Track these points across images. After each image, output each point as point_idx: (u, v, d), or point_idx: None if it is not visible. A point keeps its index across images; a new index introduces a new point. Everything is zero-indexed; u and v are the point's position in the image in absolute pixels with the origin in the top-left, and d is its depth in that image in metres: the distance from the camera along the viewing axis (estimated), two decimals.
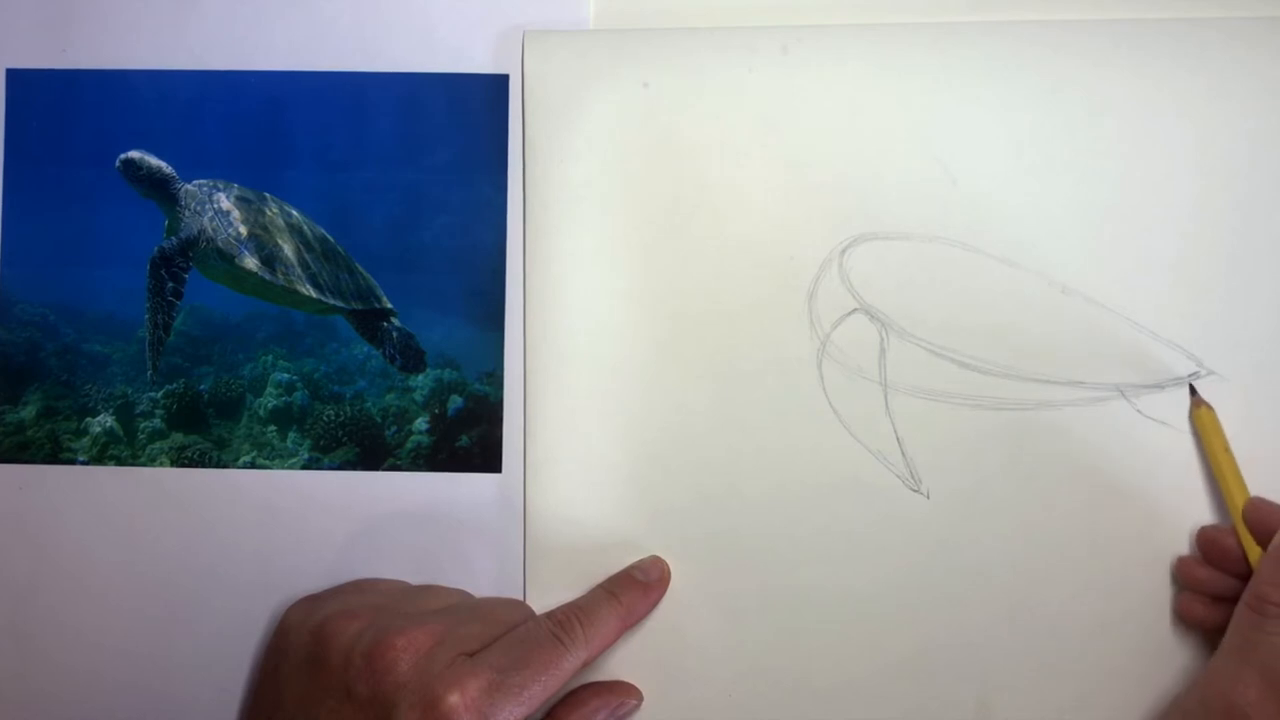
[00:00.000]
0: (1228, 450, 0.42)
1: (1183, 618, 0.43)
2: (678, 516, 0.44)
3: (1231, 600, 0.40)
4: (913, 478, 0.44)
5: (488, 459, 0.46)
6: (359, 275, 0.47)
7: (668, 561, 0.44)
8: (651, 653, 0.44)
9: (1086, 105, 0.45)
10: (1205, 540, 0.42)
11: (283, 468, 0.46)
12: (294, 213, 0.47)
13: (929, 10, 0.46)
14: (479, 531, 0.45)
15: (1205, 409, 0.43)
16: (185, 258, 0.47)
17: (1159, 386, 0.44)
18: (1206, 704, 0.38)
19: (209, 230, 0.47)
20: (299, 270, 0.47)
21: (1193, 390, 0.43)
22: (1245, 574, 0.40)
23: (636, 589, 0.43)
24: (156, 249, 0.47)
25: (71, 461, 0.46)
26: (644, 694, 0.44)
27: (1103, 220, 0.44)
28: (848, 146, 0.45)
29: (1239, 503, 0.41)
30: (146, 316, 0.46)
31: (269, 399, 0.46)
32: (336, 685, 0.38)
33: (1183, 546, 0.43)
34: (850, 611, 0.44)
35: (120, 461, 0.46)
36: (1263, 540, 0.40)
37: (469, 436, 0.46)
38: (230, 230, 0.47)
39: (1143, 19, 0.45)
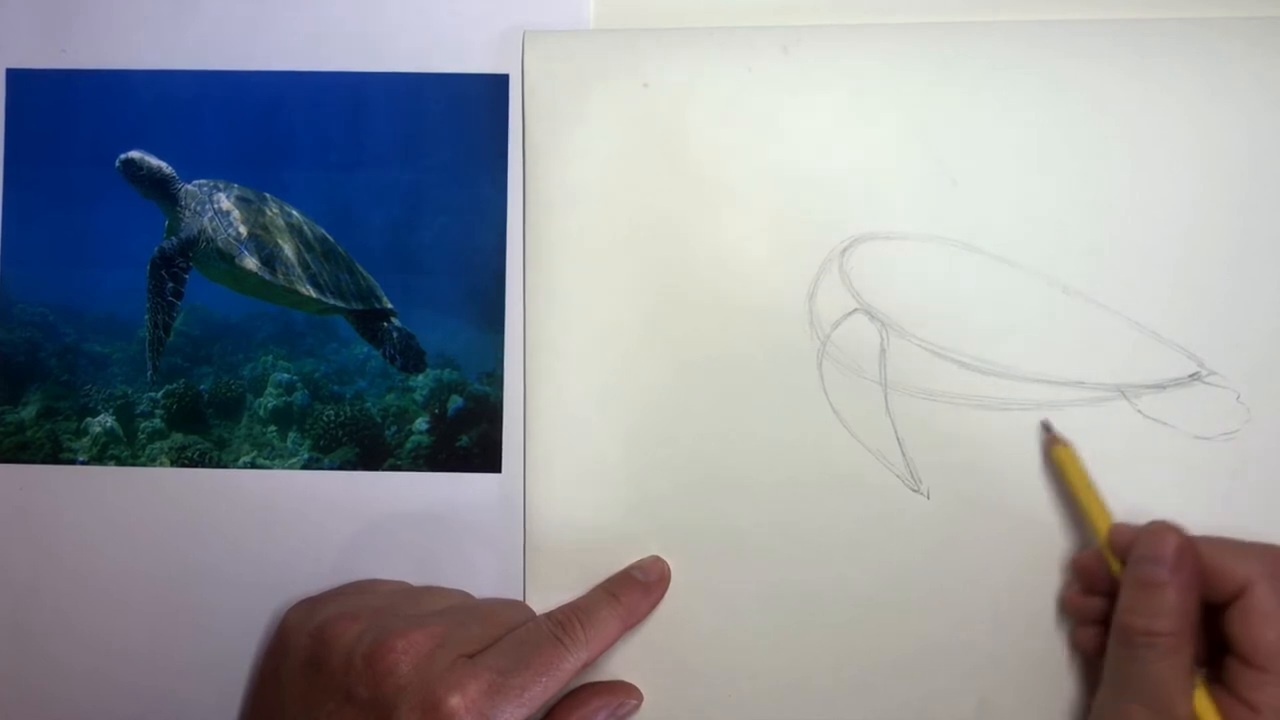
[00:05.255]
0: (1091, 487, 0.42)
1: (1082, 650, 0.42)
2: (678, 516, 0.44)
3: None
4: (913, 478, 0.44)
5: (488, 459, 0.46)
6: (359, 275, 0.47)
7: (668, 561, 0.44)
8: (651, 653, 0.44)
9: (1086, 105, 0.45)
10: (1080, 568, 0.42)
11: (283, 468, 0.46)
12: (294, 213, 0.47)
13: (929, 10, 0.46)
14: (479, 532, 0.45)
15: (1062, 447, 0.43)
16: (185, 258, 0.47)
17: (1159, 386, 0.44)
18: None
19: (209, 230, 0.47)
20: (299, 270, 0.47)
21: (1046, 427, 0.43)
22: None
23: (637, 589, 0.43)
24: (156, 249, 0.47)
25: (71, 461, 0.46)
26: (644, 694, 0.44)
27: (1103, 220, 0.44)
28: (848, 146, 0.45)
29: (1104, 532, 0.41)
30: (146, 316, 0.46)
31: (269, 399, 0.46)
32: (337, 688, 0.38)
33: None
34: (850, 612, 0.44)
35: (120, 461, 0.46)
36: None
37: (469, 436, 0.46)
38: (230, 230, 0.47)
39: (1143, 19, 0.45)
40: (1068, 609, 0.43)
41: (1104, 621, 0.41)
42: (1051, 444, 0.43)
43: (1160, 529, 0.39)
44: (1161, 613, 0.37)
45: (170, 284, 0.47)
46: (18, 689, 0.45)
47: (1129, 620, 0.38)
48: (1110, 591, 0.40)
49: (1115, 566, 0.40)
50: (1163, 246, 0.44)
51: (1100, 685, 0.39)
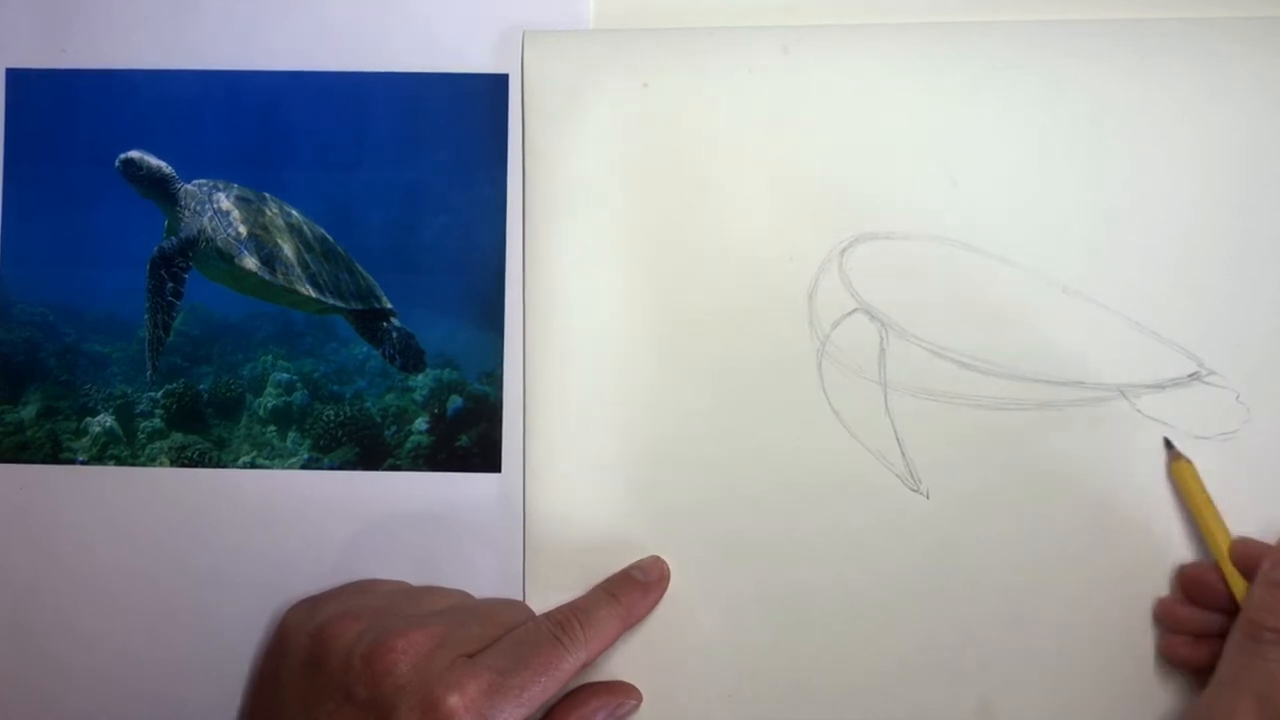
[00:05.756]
0: (1211, 503, 0.42)
1: (1165, 657, 0.43)
2: (677, 516, 0.44)
3: (1215, 637, 0.41)
4: (913, 478, 0.44)
5: (487, 459, 0.46)
6: (359, 275, 0.47)
7: (667, 561, 0.44)
8: (651, 653, 0.44)
9: (1086, 105, 0.45)
10: (1187, 580, 0.42)
11: (282, 468, 0.46)
12: (294, 213, 0.47)
13: (929, 10, 0.46)
14: (479, 532, 0.45)
15: (1184, 463, 0.43)
16: (185, 258, 0.47)
17: (1159, 386, 0.44)
18: None
19: (209, 230, 0.47)
20: (299, 270, 0.47)
21: (1168, 444, 0.43)
22: (1230, 609, 0.41)
23: (636, 589, 0.43)
24: (156, 249, 0.47)
25: (71, 461, 0.46)
26: (644, 694, 0.44)
27: (1103, 220, 0.44)
28: (847, 146, 0.45)
29: (1224, 545, 0.41)
30: (146, 316, 0.46)
31: (269, 399, 0.46)
32: (336, 687, 0.38)
33: (1184, 545, 0.43)
34: (850, 612, 0.44)
35: (120, 461, 0.46)
36: (1249, 575, 0.40)
37: (469, 436, 0.46)
38: (230, 230, 0.47)
39: (1143, 19, 0.45)
40: (1163, 617, 0.43)
41: (1197, 633, 0.42)
42: (1173, 459, 0.43)
43: None
44: None
45: (170, 284, 0.47)
46: (18, 689, 0.45)
47: (1260, 616, 0.39)
48: (1216, 606, 0.41)
49: (1235, 579, 0.41)
50: (1163, 246, 0.44)
51: (1211, 683, 0.39)
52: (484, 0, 0.47)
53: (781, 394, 0.44)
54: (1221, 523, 0.42)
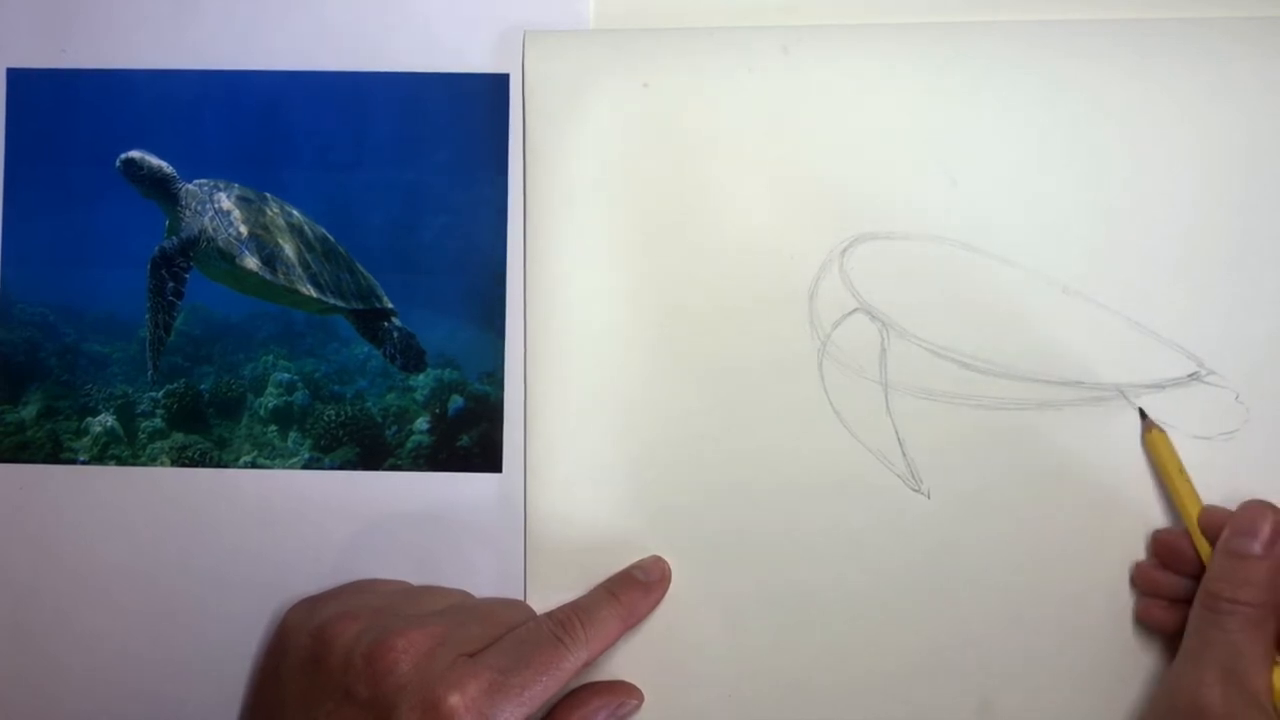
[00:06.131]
0: (1183, 471, 0.43)
1: (1141, 621, 0.43)
2: (678, 516, 0.44)
3: (1189, 602, 0.41)
4: (913, 478, 0.44)
5: (488, 459, 0.46)
6: (360, 275, 0.47)
7: (668, 561, 0.44)
8: (652, 653, 0.44)
9: (1086, 105, 0.45)
10: (1160, 545, 0.43)
11: (283, 467, 0.46)
12: (294, 212, 0.47)
13: (929, 10, 0.46)
14: (479, 531, 0.45)
15: (1157, 432, 0.43)
16: (186, 257, 0.47)
17: (1159, 386, 0.44)
18: (1175, 709, 0.38)
19: (209, 230, 0.47)
20: (300, 270, 0.47)
21: (1143, 415, 0.43)
22: (1200, 576, 0.41)
23: (637, 589, 0.43)
24: (157, 249, 0.47)
25: (72, 461, 0.46)
26: (645, 694, 0.44)
27: (1103, 220, 0.44)
28: (848, 146, 0.45)
29: (1194, 514, 0.42)
30: (147, 316, 0.46)
31: (269, 399, 0.46)
32: (336, 687, 0.38)
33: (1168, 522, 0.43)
34: (851, 612, 0.44)
35: (121, 461, 0.46)
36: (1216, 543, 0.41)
37: (469, 436, 0.46)
38: (231, 230, 0.47)
39: (1143, 19, 0.45)
40: (1139, 581, 0.43)
41: (1171, 598, 0.42)
42: (1147, 429, 0.43)
43: (1260, 507, 0.40)
44: (1249, 583, 0.39)
45: (171, 283, 0.47)
46: (18, 689, 0.45)
47: (1216, 587, 0.39)
48: (1187, 571, 0.41)
49: (1203, 547, 0.41)
50: (1163, 246, 0.44)
51: (1178, 655, 0.40)
52: (484, 0, 0.47)
53: (782, 394, 0.44)
54: (1193, 491, 0.42)
